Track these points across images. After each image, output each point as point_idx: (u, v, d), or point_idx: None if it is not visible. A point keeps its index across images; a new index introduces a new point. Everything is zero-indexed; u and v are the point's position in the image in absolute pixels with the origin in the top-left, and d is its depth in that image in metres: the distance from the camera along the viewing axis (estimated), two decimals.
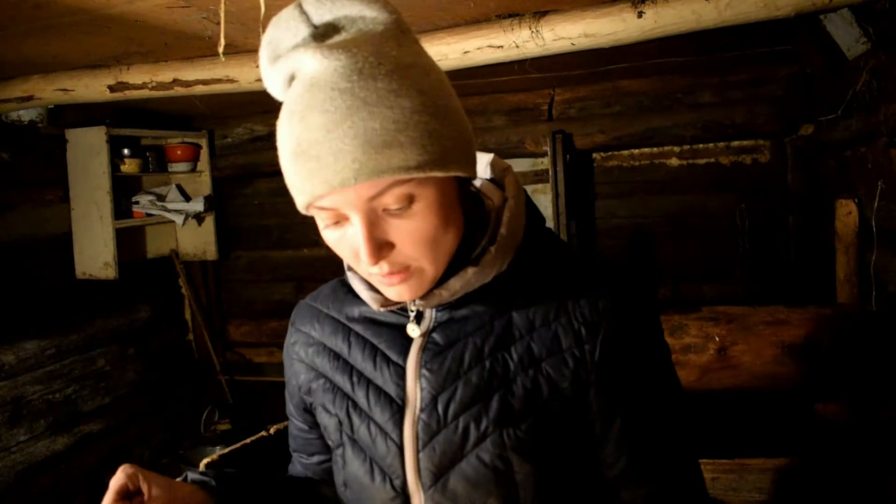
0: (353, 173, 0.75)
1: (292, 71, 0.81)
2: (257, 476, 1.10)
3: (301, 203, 0.82)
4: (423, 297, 0.90)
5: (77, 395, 3.83)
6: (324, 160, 0.76)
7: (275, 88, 0.86)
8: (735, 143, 3.76)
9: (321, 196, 0.79)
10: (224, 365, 4.76)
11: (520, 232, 0.94)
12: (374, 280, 0.89)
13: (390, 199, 0.79)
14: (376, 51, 0.79)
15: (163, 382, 4.47)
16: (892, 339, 2.43)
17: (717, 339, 2.59)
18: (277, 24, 0.83)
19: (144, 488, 0.90)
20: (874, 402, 2.42)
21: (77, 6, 2.02)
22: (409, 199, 0.80)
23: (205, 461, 1.54)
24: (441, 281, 0.90)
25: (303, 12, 0.81)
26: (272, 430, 1.76)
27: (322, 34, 0.81)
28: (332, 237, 0.86)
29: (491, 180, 1.00)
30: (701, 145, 3.81)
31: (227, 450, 1.62)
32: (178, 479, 1.00)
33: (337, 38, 0.80)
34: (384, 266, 0.83)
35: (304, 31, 0.81)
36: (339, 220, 0.83)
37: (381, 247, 0.82)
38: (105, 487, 0.89)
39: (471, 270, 0.89)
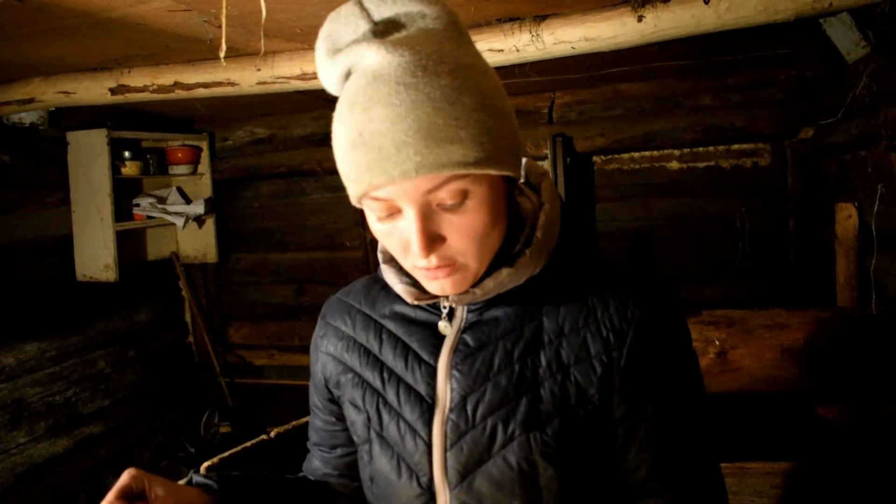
0: (415, 166, 0.77)
1: (351, 65, 0.83)
2: (261, 479, 1.10)
3: (356, 193, 0.84)
4: (456, 297, 0.92)
5: (77, 397, 3.83)
6: (385, 151, 0.77)
7: (330, 81, 0.88)
8: (735, 147, 3.76)
9: (379, 186, 0.80)
10: (224, 367, 4.76)
11: (554, 237, 0.96)
12: (417, 275, 0.90)
13: (446, 194, 0.81)
14: (438, 49, 0.81)
15: (163, 385, 4.47)
16: (892, 342, 2.43)
17: (717, 342, 2.60)
18: (336, 19, 0.84)
19: (148, 491, 0.91)
20: (874, 405, 2.42)
21: (79, 9, 2.02)
22: (464, 195, 0.82)
23: (205, 464, 1.54)
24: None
25: (363, 9, 0.83)
26: (273, 434, 1.76)
27: (382, 31, 0.83)
28: (381, 229, 0.88)
29: (526, 184, 1.02)
30: (701, 148, 3.81)
31: (227, 453, 1.62)
32: (182, 482, 1.00)
33: (398, 35, 0.83)
34: (433, 260, 0.85)
35: (364, 27, 0.83)
36: (392, 212, 0.84)
37: (433, 240, 0.84)
38: (105, 489, 0.89)
39: (505, 271, 0.91)
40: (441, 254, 0.85)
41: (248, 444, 1.71)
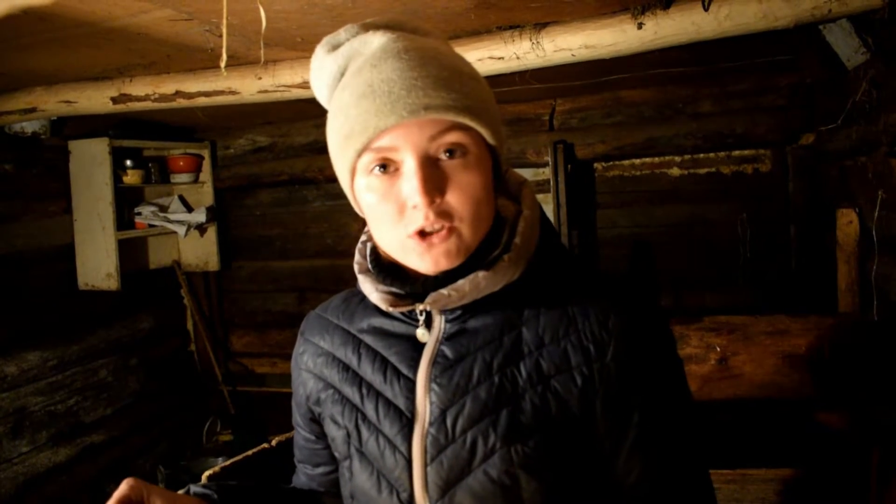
0: (424, 106, 0.82)
1: (351, 55, 0.90)
2: (260, 489, 1.10)
3: (359, 145, 0.86)
4: (431, 299, 0.90)
5: (79, 406, 3.83)
6: (396, 94, 0.83)
7: (324, 81, 0.94)
8: (736, 153, 3.76)
9: (387, 130, 0.83)
10: (226, 375, 4.76)
11: (533, 244, 0.95)
12: (409, 249, 0.88)
13: (447, 142, 0.86)
14: (434, 43, 0.92)
15: (165, 393, 4.47)
16: (893, 347, 2.43)
17: (718, 349, 2.59)
18: (336, 33, 0.92)
19: (147, 501, 0.90)
20: (876, 412, 2.41)
21: (81, 19, 2.03)
22: (463, 149, 0.87)
23: (207, 473, 1.55)
24: (451, 282, 0.90)
25: (363, 23, 0.91)
26: (274, 442, 1.76)
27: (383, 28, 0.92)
28: (375, 198, 0.88)
29: (505, 193, 1.02)
30: (702, 155, 3.81)
31: (229, 462, 1.62)
32: (181, 492, 1.00)
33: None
34: (431, 215, 0.85)
35: (363, 29, 0.91)
36: (389, 165, 0.86)
37: (433, 189, 0.85)
38: (107, 499, 0.89)
39: (481, 274, 0.90)
40: (439, 211, 0.85)
41: (250, 452, 1.72)
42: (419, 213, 0.85)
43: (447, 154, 0.86)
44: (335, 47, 0.92)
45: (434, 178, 0.85)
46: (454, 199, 0.86)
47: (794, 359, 2.54)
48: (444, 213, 0.86)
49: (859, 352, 2.53)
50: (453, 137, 0.85)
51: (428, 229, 0.86)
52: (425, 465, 0.91)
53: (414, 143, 0.84)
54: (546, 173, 3.88)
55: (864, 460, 2.26)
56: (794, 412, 2.61)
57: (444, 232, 0.86)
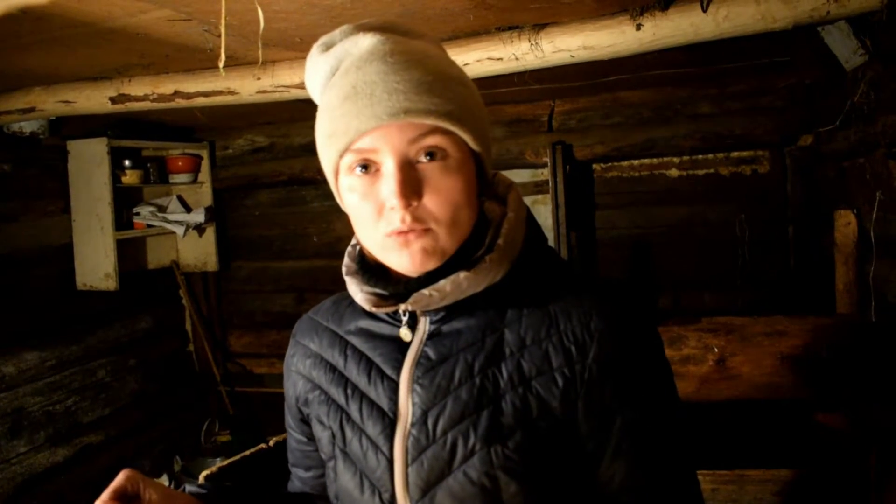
0: (404, 109, 0.83)
1: (343, 55, 0.91)
2: (254, 490, 1.10)
3: (341, 145, 0.87)
4: (413, 299, 0.90)
5: (77, 406, 3.83)
6: (377, 97, 0.84)
7: (317, 79, 0.95)
8: (734, 154, 3.77)
9: (367, 132, 0.84)
10: (224, 376, 4.76)
11: (517, 245, 0.95)
12: (388, 247, 0.89)
13: (426, 146, 0.86)
14: (424, 46, 0.92)
15: (163, 393, 4.47)
16: (891, 349, 2.43)
17: (717, 349, 2.59)
18: (332, 33, 0.93)
19: (143, 493, 0.91)
20: (874, 412, 2.42)
21: (79, 19, 2.03)
22: (444, 153, 0.87)
23: (204, 474, 1.54)
24: (434, 283, 0.91)
25: (357, 25, 0.91)
26: (272, 442, 1.76)
27: (374, 30, 0.92)
28: (356, 198, 0.89)
29: (493, 197, 1.01)
30: (700, 156, 3.82)
31: (226, 462, 1.62)
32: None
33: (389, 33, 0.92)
34: (407, 217, 0.85)
35: (357, 30, 0.92)
36: (370, 165, 0.87)
37: (411, 192, 0.85)
38: None
39: (462, 275, 0.90)
40: (416, 213, 0.86)
41: (247, 452, 1.72)
42: (396, 215, 0.86)
43: (427, 157, 0.86)
44: (329, 47, 0.92)
45: (412, 181, 0.85)
46: (431, 202, 0.86)
47: (792, 360, 2.54)
48: (420, 216, 0.86)
49: (857, 353, 2.53)
50: (433, 141, 0.86)
51: (404, 230, 0.86)
52: (406, 466, 0.91)
53: (393, 146, 0.85)
54: (545, 174, 3.88)
55: (862, 461, 2.26)
56: (792, 413, 2.61)
57: (421, 231, 0.87)
